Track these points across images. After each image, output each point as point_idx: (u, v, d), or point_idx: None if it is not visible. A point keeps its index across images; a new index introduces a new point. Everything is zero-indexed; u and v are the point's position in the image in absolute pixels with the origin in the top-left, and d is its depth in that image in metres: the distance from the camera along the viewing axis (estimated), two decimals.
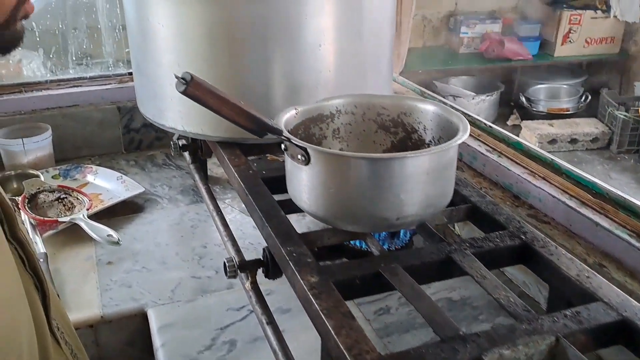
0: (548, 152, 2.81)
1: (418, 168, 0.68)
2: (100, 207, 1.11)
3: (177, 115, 0.99)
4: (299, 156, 0.70)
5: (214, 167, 1.28)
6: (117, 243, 1.00)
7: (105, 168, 1.25)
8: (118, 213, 1.12)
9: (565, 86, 3.03)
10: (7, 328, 0.44)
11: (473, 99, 2.88)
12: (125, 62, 1.42)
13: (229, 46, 0.91)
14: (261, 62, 0.92)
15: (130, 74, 1.40)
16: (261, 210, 0.78)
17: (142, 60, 1.01)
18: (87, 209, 1.08)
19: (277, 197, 0.84)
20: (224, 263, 0.78)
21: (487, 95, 2.89)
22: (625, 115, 2.69)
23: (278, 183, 0.86)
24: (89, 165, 1.25)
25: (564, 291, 0.65)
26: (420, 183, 0.69)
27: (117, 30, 1.38)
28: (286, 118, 0.78)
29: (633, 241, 0.78)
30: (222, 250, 1.02)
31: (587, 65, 3.21)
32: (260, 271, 0.78)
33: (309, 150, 0.69)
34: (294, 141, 0.70)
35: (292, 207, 0.79)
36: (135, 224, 1.11)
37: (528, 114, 2.94)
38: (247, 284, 0.78)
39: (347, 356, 0.53)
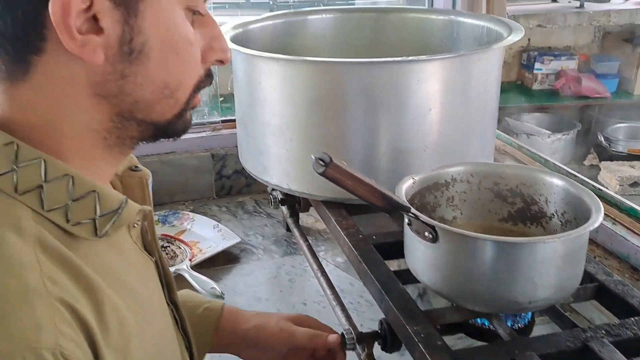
0: (629, 194, 2.68)
1: (554, 253, 0.66)
2: (200, 257, 1.13)
3: (283, 173, 1.00)
4: (426, 233, 0.69)
5: (304, 216, 1.28)
6: (220, 296, 1.01)
7: (201, 215, 1.27)
8: (216, 263, 1.14)
9: None
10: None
11: (548, 137, 2.81)
12: (219, 110, 1.46)
13: (338, 112, 0.92)
14: (369, 127, 0.92)
15: (223, 122, 1.44)
16: (379, 281, 0.78)
17: (248, 119, 1.04)
18: (190, 259, 1.11)
19: (389, 264, 0.83)
20: (342, 334, 0.77)
21: (564, 134, 2.81)
22: None
23: (389, 249, 0.86)
24: (186, 212, 1.29)
25: None
26: (554, 267, 0.67)
27: (214, 81, 1.43)
28: (405, 188, 0.78)
29: None
30: (323, 309, 1.02)
31: None
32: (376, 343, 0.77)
33: (437, 228, 0.68)
34: (422, 219, 0.69)
35: (408, 277, 0.78)
36: (233, 275, 1.12)
37: (606, 154, 2.83)
38: (363, 356, 0.77)
39: None
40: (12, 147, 0.42)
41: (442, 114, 0.94)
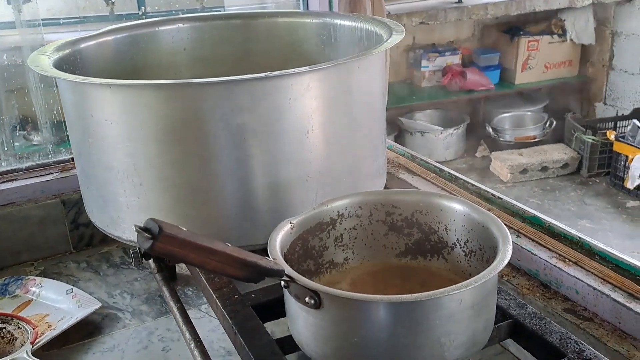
0: (520, 182, 2.72)
1: (462, 303, 0.54)
2: (48, 335, 0.91)
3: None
4: (307, 299, 0.54)
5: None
6: None
7: (51, 279, 1.05)
8: (71, 339, 0.93)
9: (529, 113, 3.00)
10: None
11: (441, 133, 2.81)
12: (67, 146, 1.24)
13: (198, 145, 0.75)
14: (237, 160, 0.76)
15: (74, 159, 1.22)
16: (257, 357, 0.62)
17: (87, 163, 0.84)
18: (32, 342, 0.89)
19: (270, 327, 0.68)
20: None
21: (455, 129, 2.82)
22: (593, 139, 2.67)
23: (273, 308, 0.71)
24: (32, 278, 1.05)
25: None
26: (464, 320, 0.55)
27: (55, 112, 1.20)
28: (281, 237, 0.63)
29: None
30: None
31: (548, 90, 3.19)
32: None
33: (320, 293, 0.53)
34: (300, 282, 0.54)
35: (293, 344, 0.63)
36: (92, 352, 0.91)
37: (496, 145, 2.88)
38: None
39: None
40: None
41: (323, 134, 0.79)
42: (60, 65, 0.85)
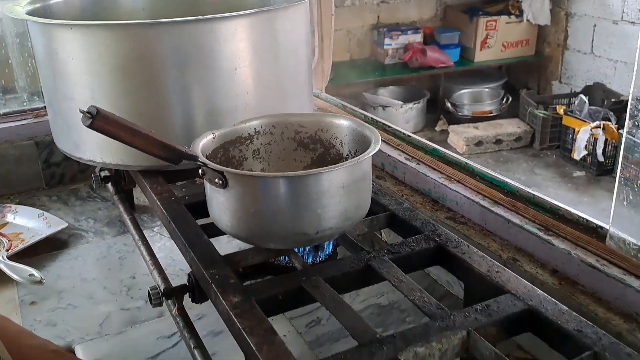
0: (475, 154, 2.92)
1: (334, 182, 0.71)
2: (20, 246, 1.08)
3: (95, 147, 0.98)
4: (217, 180, 0.72)
5: (142, 195, 1.27)
6: (40, 282, 0.98)
7: (25, 206, 1.22)
8: (41, 251, 1.10)
9: (487, 90, 3.19)
10: None
11: (401, 107, 2.99)
12: (41, 95, 1.40)
13: (144, 78, 0.92)
14: (178, 91, 0.93)
15: (34, 110, 1.38)
16: (184, 237, 0.80)
17: (53, 95, 1.01)
18: (7, 250, 1.06)
19: (202, 222, 0.85)
20: (148, 292, 0.78)
21: (415, 103, 3.00)
22: (544, 114, 2.86)
23: (202, 207, 0.88)
24: (8, 205, 1.22)
25: (477, 287, 0.70)
26: (336, 197, 0.72)
27: (29, 64, 1.36)
28: (203, 143, 0.80)
29: (542, 234, 0.84)
30: (152, 280, 1.02)
31: (507, 68, 3.39)
32: (187, 296, 0.79)
33: (225, 173, 0.71)
34: (210, 166, 0.72)
35: (216, 230, 0.81)
36: (59, 261, 1.09)
37: (454, 119, 3.07)
38: (174, 311, 0.79)
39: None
40: None
41: (250, 72, 0.97)
42: (31, 14, 1.02)
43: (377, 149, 0.75)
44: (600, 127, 2.58)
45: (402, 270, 0.71)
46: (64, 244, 1.14)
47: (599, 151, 2.59)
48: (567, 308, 0.63)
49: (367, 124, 0.82)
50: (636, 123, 0.73)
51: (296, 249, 0.78)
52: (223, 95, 0.96)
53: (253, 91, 0.98)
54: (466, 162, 1.04)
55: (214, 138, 0.82)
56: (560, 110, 2.81)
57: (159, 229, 1.18)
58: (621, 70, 2.90)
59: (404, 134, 1.18)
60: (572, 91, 3.10)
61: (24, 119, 1.35)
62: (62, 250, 1.12)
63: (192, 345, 0.74)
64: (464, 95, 3.15)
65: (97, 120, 0.64)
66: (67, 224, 1.16)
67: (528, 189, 0.93)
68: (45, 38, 0.97)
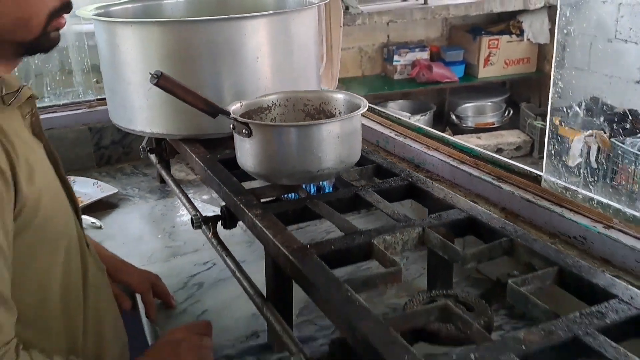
0: None
1: (330, 133, 0.98)
2: (81, 205, 1.35)
3: (145, 121, 1.26)
4: (243, 130, 0.98)
5: (176, 172, 1.55)
6: (99, 227, 1.25)
7: (82, 177, 1.50)
8: (97, 209, 1.37)
9: (489, 103, 3.45)
10: (61, 206, 0.71)
11: (409, 119, 3.25)
12: (93, 89, 1.70)
13: (185, 64, 1.20)
14: (212, 75, 1.21)
15: (98, 99, 1.67)
16: (219, 178, 1.06)
17: (113, 80, 1.29)
18: None
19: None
20: (191, 218, 1.04)
21: (422, 115, 3.27)
22: (542, 125, 3.11)
23: (232, 162, 1.15)
24: (69, 176, 1.50)
25: (435, 207, 0.95)
26: (332, 144, 0.98)
27: (85, 63, 1.66)
28: (233, 108, 1.07)
29: (495, 182, 1.09)
30: (189, 229, 1.28)
31: (510, 84, 3.65)
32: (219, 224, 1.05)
33: (250, 125, 0.98)
34: (239, 119, 0.99)
35: (242, 178, 1.07)
36: (113, 215, 1.36)
37: (459, 130, 3.33)
38: (210, 234, 1.05)
39: (282, 248, 0.81)
40: None
41: (269, 61, 1.25)
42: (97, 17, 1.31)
43: (364, 110, 1.01)
44: (592, 136, 2.82)
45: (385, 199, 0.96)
46: (115, 205, 1.41)
47: (592, 158, 2.82)
48: (496, 216, 0.88)
49: (358, 96, 1.09)
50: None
51: (303, 186, 1.04)
52: (247, 78, 1.23)
53: (270, 76, 1.26)
54: (443, 136, 1.30)
55: (241, 106, 1.10)
56: (557, 121, 3.05)
57: (192, 195, 1.45)
58: (615, 85, 3.14)
59: (395, 117, 1.44)
60: (569, 104, 3.34)
61: (80, 109, 1.64)
62: (114, 209, 1.39)
63: (224, 255, 0.99)
64: (468, 109, 3.41)
65: (161, 80, 0.92)
66: (117, 190, 1.43)
67: (487, 152, 1.19)
68: (108, 34, 1.26)
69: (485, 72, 3.46)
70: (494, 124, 3.32)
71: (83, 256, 0.79)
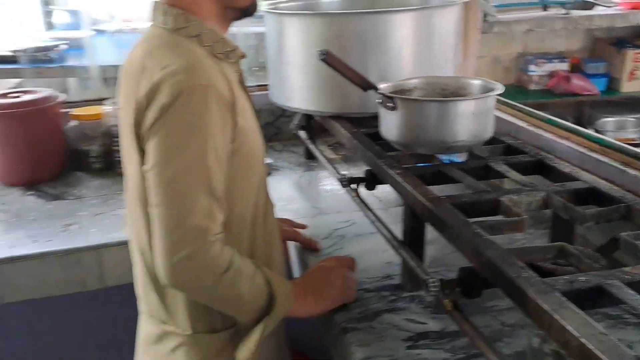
0: None
1: (466, 109, 1.12)
2: None
3: (301, 98, 1.48)
4: (389, 104, 1.16)
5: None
6: None
7: None
8: None
9: (632, 119, 3.33)
10: (259, 144, 0.94)
11: None
12: (253, 75, 1.97)
13: (339, 51, 1.38)
14: (361, 61, 1.39)
15: (258, 86, 1.94)
16: (364, 146, 1.24)
17: (276, 63, 1.53)
18: None
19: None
20: (339, 179, 1.23)
21: None
22: None
23: (376, 135, 1.32)
24: None
25: (560, 180, 1.06)
26: (467, 120, 1.12)
27: (251, 57, 1.95)
28: (381, 86, 1.25)
29: (620, 166, 1.17)
30: (331, 195, 1.48)
31: None
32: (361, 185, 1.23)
33: (395, 99, 1.15)
34: (386, 94, 1.16)
35: (383, 149, 1.24)
36: None
37: None
38: (354, 194, 1.23)
39: (419, 197, 0.97)
40: (184, 14, 0.90)
41: (412, 52, 1.41)
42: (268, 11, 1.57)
43: (499, 91, 1.14)
44: None
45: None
46: (268, 173, 1.65)
47: None
48: (617, 188, 0.97)
49: (493, 81, 1.22)
50: None
51: (438, 157, 1.19)
52: (391, 66, 1.41)
53: (411, 66, 1.42)
54: (574, 127, 1.38)
55: (387, 85, 1.27)
56: None
57: None
58: None
59: (524, 109, 1.55)
60: None
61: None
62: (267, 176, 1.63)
63: (365, 210, 1.17)
64: (609, 123, 3.32)
65: (327, 56, 1.12)
66: (271, 161, 1.67)
67: (617, 142, 1.26)
68: (277, 24, 1.51)
69: (629, 87, 3.35)
70: (635, 140, 3.21)
71: (266, 189, 1.01)
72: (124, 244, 1.29)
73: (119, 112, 0.97)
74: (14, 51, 2.16)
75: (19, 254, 1.26)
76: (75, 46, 2.41)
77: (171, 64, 0.83)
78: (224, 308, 0.90)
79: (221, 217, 0.86)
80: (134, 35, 2.59)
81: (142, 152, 0.86)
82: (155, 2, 0.93)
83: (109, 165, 1.74)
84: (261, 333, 0.89)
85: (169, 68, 0.82)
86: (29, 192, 1.60)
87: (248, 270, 0.88)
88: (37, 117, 1.66)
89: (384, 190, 1.38)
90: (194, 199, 0.82)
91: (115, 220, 1.40)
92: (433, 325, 0.95)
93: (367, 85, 1.18)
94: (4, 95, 1.68)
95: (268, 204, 1.02)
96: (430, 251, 1.06)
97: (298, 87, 1.48)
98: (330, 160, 1.51)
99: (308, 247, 1.22)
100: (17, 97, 1.67)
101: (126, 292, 1.56)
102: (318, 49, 1.14)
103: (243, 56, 0.98)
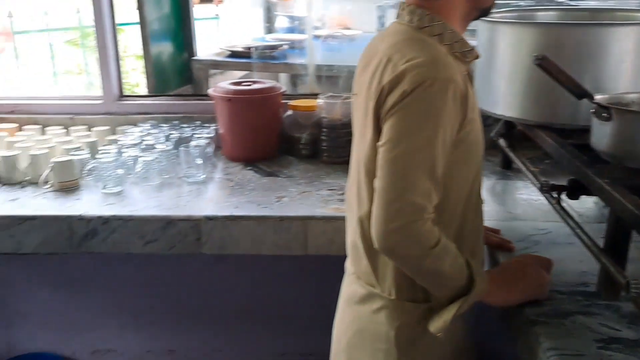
0: None
1: None
2: None
3: (506, 105, 1.53)
4: (604, 114, 1.16)
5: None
6: None
7: None
8: None
9: None
10: (480, 139, 1.03)
11: None
12: None
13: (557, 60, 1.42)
14: (576, 72, 1.37)
15: None
16: (570, 155, 1.25)
17: (486, 70, 1.59)
18: None
19: None
20: (541, 184, 1.26)
21: None
22: None
23: (580, 148, 1.32)
24: None
25: None
26: None
27: None
28: (597, 96, 1.25)
29: None
30: (526, 204, 1.51)
31: None
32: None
33: (611, 110, 1.15)
34: (602, 104, 1.17)
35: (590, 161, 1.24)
36: None
37: None
38: (553, 201, 1.25)
39: (628, 205, 0.96)
40: (429, 15, 1.01)
41: (632, 68, 1.38)
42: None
43: None
44: None
45: None
46: None
47: None
48: None
49: None
50: None
51: None
52: (608, 79, 1.39)
53: (629, 80, 1.39)
54: None
55: (602, 97, 1.27)
56: None
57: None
58: None
59: None
60: None
61: None
62: None
63: (566, 218, 1.18)
64: None
65: (542, 61, 1.16)
66: None
67: None
68: (490, 32, 1.57)
69: None
70: None
71: (480, 183, 1.08)
72: (326, 218, 1.46)
73: (354, 98, 1.12)
74: (247, 48, 2.50)
75: (242, 214, 1.48)
76: (293, 47, 2.71)
77: (416, 57, 0.94)
78: (426, 281, 0.99)
79: (436, 200, 0.95)
80: (341, 40, 2.83)
81: (378, 131, 0.98)
82: (402, 2, 1.06)
83: (315, 153, 1.95)
84: (457, 310, 0.97)
85: (414, 60, 0.94)
86: (248, 167, 1.86)
87: (453, 250, 0.97)
88: (263, 104, 1.92)
89: (585, 206, 1.38)
90: (416, 178, 0.92)
91: (319, 199, 1.57)
92: (628, 333, 0.94)
93: (581, 93, 1.19)
94: (238, 83, 1.97)
95: (479, 200, 1.09)
96: (629, 269, 1.05)
97: (505, 94, 1.53)
98: (529, 169, 1.53)
99: (502, 248, 1.26)
100: (249, 85, 1.95)
101: (320, 262, 1.74)
102: (534, 54, 1.19)
103: (478, 57, 1.06)
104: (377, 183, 0.96)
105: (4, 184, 1.71)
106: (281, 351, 2.15)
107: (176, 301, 2.13)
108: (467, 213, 1.04)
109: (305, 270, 2.02)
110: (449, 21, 1.01)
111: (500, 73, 1.53)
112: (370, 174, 1.00)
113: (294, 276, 2.06)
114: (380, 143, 0.96)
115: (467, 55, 1.02)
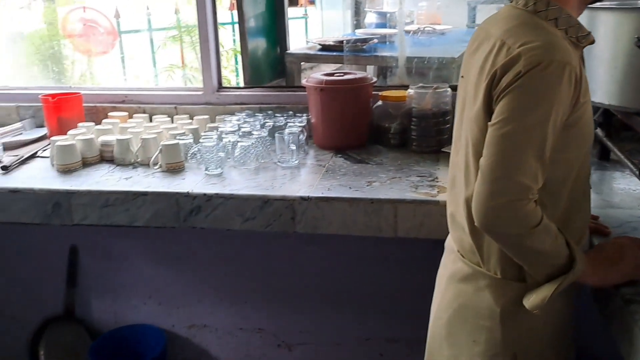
0: None
1: None
2: None
3: (605, 93, 1.51)
4: None
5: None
6: None
7: None
8: None
9: None
10: (591, 123, 1.03)
11: None
12: None
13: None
14: None
15: None
16: None
17: (585, 57, 1.57)
18: None
19: None
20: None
21: None
22: None
23: None
24: None
25: None
26: None
27: None
28: None
29: None
30: (623, 192, 1.48)
31: None
32: None
33: None
34: None
35: None
36: None
37: None
38: None
39: None
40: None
41: None
42: None
43: None
44: None
45: None
46: None
47: None
48: None
49: None
50: None
51: None
52: None
53: None
54: None
55: None
56: None
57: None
58: None
59: None
60: None
61: None
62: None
63: None
64: None
65: None
66: None
67: None
68: (587, 19, 1.54)
69: None
70: None
71: (588, 170, 1.09)
72: (417, 202, 1.50)
73: (461, 81, 1.15)
74: (339, 42, 2.58)
75: (334, 196, 1.55)
76: (383, 41, 2.76)
77: (531, 40, 0.96)
78: (526, 259, 1.01)
79: (541, 181, 0.97)
80: (432, 35, 2.85)
81: (490, 113, 1.00)
82: None
83: (404, 142, 1.99)
84: (555, 288, 0.98)
85: (529, 44, 0.95)
86: (338, 155, 1.93)
87: (553, 230, 0.98)
88: (354, 94, 1.98)
89: None
90: (524, 158, 0.94)
91: (409, 184, 1.62)
92: None
93: None
94: (331, 74, 2.05)
95: (587, 185, 1.10)
96: None
97: (605, 81, 1.51)
98: (629, 159, 1.50)
99: (598, 232, 1.25)
100: (341, 76, 2.02)
101: (408, 246, 1.76)
102: (636, 36, 1.17)
103: (593, 42, 1.06)
104: (483, 161, 0.98)
105: (118, 165, 1.88)
106: (366, 336, 2.21)
107: (267, 282, 2.24)
108: (575, 197, 1.05)
109: (393, 255, 2.07)
110: (565, 5, 1.02)
111: (600, 59, 1.51)
112: (479, 155, 1.02)
113: (381, 261, 2.11)
114: (491, 122, 0.98)
115: (581, 40, 1.03)
